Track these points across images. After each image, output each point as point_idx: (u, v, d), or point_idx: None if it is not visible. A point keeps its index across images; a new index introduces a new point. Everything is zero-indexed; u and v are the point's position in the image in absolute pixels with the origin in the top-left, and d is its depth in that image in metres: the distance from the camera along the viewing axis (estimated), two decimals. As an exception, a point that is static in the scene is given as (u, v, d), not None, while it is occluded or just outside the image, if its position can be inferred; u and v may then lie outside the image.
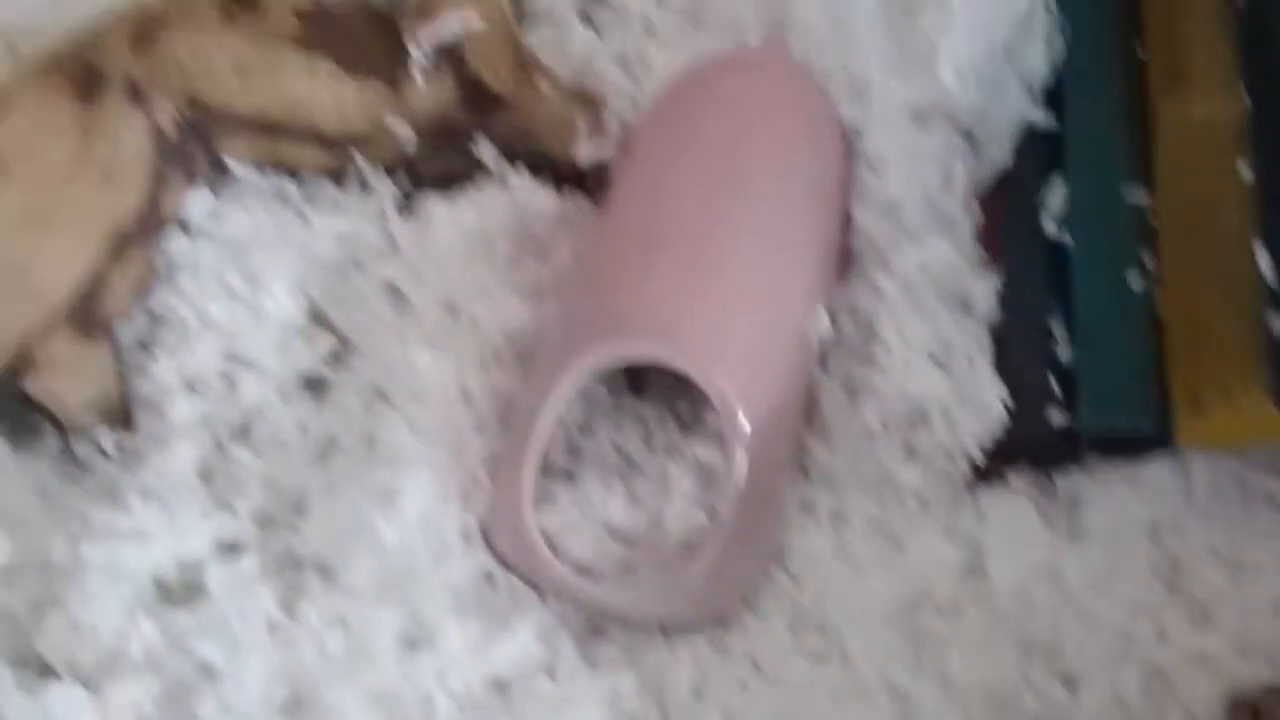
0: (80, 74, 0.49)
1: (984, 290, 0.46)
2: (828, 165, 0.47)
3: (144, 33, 0.50)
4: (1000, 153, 0.48)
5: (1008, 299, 0.45)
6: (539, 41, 0.60)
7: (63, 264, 0.47)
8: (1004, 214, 0.47)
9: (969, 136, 0.49)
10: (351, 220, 0.52)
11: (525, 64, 0.54)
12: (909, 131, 0.48)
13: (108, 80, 0.49)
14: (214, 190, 0.53)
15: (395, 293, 0.52)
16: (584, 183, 0.55)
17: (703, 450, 0.44)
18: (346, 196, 0.53)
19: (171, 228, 0.52)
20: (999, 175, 0.48)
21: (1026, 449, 0.43)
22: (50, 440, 0.49)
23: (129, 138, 0.49)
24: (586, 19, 0.62)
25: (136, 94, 0.49)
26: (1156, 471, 0.43)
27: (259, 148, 0.52)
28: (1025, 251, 0.46)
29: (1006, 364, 0.44)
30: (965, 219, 0.48)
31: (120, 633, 0.39)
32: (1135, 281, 0.43)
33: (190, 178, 0.52)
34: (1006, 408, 0.43)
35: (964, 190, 0.48)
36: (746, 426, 0.40)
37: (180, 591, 0.42)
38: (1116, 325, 0.43)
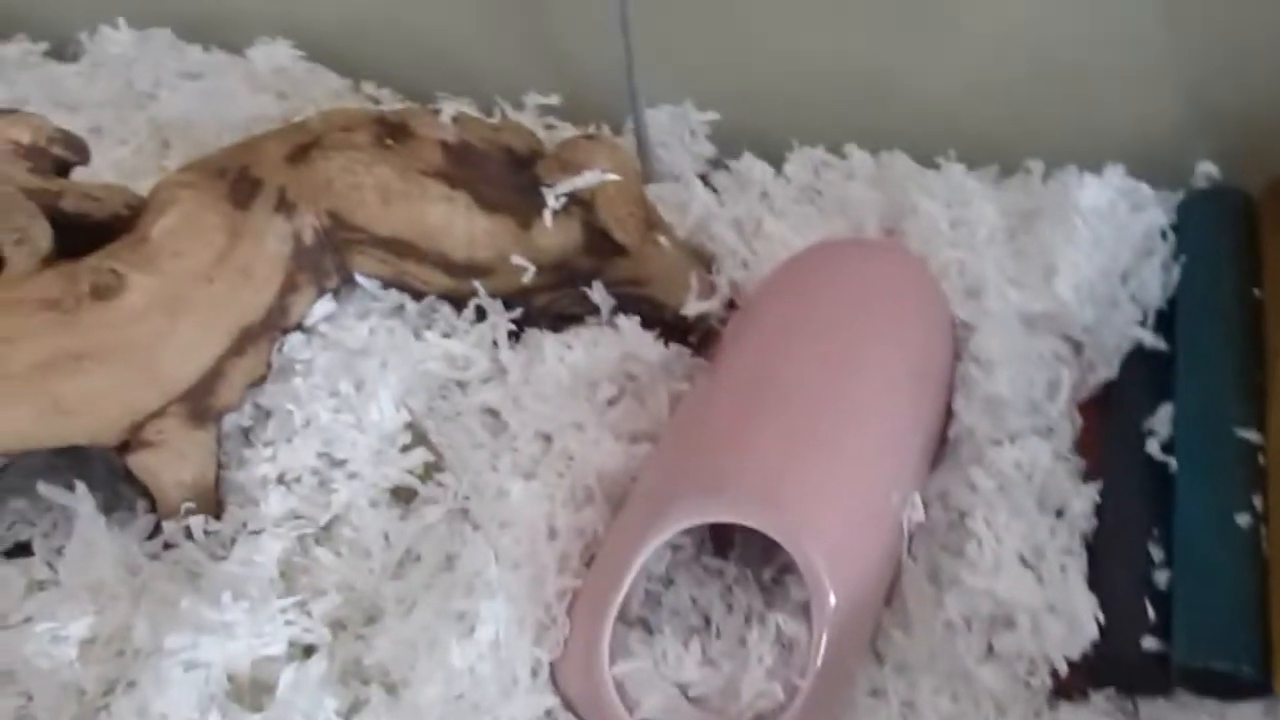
0: (239, 182, 0.52)
1: (1081, 500, 0.46)
2: (936, 356, 0.48)
3: (301, 149, 0.53)
4: (1107, 367, 0.49)
5: (1106, 514, 0.45)
6: (660, 196, 0.63)
7: (190, 353, 0.49)
8: (1105, 426, 0.47)
9: (1077, 347, 0.49)
10: (463, 344, 0.54)
11: (649, 220, 0.56)
12: (1019, 335, 0.49)
13: (262, 189, 0.52)
14: (337, 299, 0.55)
15: (495, 418, 0.53)
16: (688, 336, 0.57)
17: (784, 621, 0.43)
18: (461, 321, 0.55)
19: (292, 329, 0.54)
20: (1102, 387, 0.49)
21: (1114, 671, 0.42)
22: (141, 519, 0.50)
23: (272, 244, 0.51)
24: (707, 182, 0.66)
25: (285, 204, 0.52)
26: (1247, 712, 0.42)
27: (388, 266, 0.54)
28: (1127, 470, 0.46)
29: (1101, 580, 0.44)
30: (1066, 426, 0.48)
31: (190, 726, 0.39)
32: (1242, 519, 0.43)
33: (320, 286, 0.54)
34: (1099, 624, 0.42)
35: (1068, 398, 0.48)
36: (835, 606, 0.40)
37: (250, 690, 0.42)
38: (1220, 561, 0.42)
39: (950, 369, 0.50)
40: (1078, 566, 0.45)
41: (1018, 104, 0.61)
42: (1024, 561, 0.45)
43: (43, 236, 0.49)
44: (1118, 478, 0.46)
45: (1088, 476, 0.47)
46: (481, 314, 0.55)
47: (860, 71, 0.65)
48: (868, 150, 0.63)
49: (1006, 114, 0.61)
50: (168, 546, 0.49)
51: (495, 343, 0.54)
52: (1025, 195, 0.57)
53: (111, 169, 0.70)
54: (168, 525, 0.49)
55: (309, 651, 0.45)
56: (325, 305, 0.55)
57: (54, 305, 0.47)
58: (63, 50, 0.80)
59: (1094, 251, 0.49)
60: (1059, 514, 0.47)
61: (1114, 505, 0.45)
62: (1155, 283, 0.51)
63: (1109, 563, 0.44)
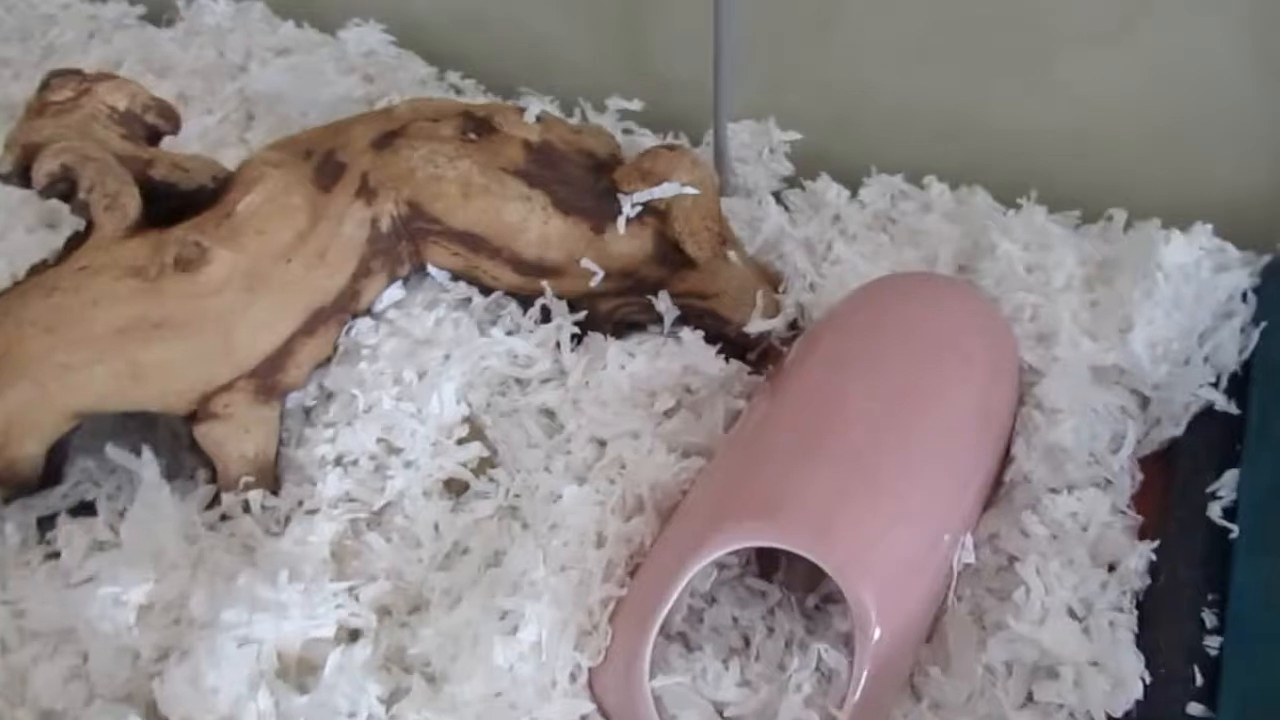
0: (324, 164, 0.53)
1: (1135, 556, 0.45)
2: (1000, 399, 0.48)
3: (387, 137, 0.54)
4: (1174, 424, 0.48)
5: (1160, 573, 0.44)
6: (733, 210, 0.63)
7: (263, 330, 0.50)
8: (1167, 484, 0.47)
9: (1143, 400, 0.49)
10: (527, 342, 0.55)
11: (722, 235, 0.56)
12: (1087, 385, 0.48)
13: (346, 173, 0.53)
14: (406, 286, 0.56)
15: (551, 418, 0.54)
16: (748, 352, 0.57)
17: (826, 650, 0.43)
18: (526, 320, 0.56)
19: (361, 314, 0.55)
20: (1166, 444, 0.48)
21: (1157, 732, 0.42)
22: (201, 488, 0.51)
23: (350, 228, 0.52)
24: (781, 199, 0.65)
25: (366, 190, 0.53)
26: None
27: (460, 259, 0.55)
28: (1186, 531, 0.45)
29: (1150, 640, 0.43)
30: (1126, 480, 0.47)
31: (239, 700, 0.40)
32: (1301, 591, 0.42)
33: (392, 273, 0.55)
34: (1144, 684, 0.42)
35: (1130, 452, 0.48)
36: (879, 641, 0.40)
37: (296, 669, 0.43)
38: (1274, 634, 0.41)
39: (1013, 412, 0.49)
40: (1127, 623, 0.44)
41: (1105, 152, 0.61)
42: (1072, 613, 0.45)
43: (132, 203, 0.50)
44: (1176, 538, 0.46)
45: (1144, 533, 0.46)
46: (547, 314, 0.56)
47: (946, 104, 0.64)
48: (947, 184, 0.63)
49: (1093, 161, 0.61)
50: (224, 518, 0.50)
51: (558, 344, 0.55)
52: (1106, 244, 0.56)
53: (196, 137, 0.72)
54: (226, 497, 0.50)
55: (355, 635, 0.45)
56: (394, 292, 0.56)
57: (139, 272, 0.48)
58: (158, 15, 0.82)
59: (1173, 310, 0.48)
60: (1111, 568, 0.46)
61: (1169, 566, 0.45)
62: (1232, 345, 0.50)
63: (1159, 623, 0.44)
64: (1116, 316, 0.49)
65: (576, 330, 0.55)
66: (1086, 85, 0.61)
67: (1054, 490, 0.48)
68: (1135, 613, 0.45)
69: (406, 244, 0.54)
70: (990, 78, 0.63)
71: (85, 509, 0.51)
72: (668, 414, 0.53)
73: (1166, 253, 0.51)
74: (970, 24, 0.62)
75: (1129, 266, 0.52)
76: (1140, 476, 0.48)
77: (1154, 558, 0.45)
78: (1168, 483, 0.48)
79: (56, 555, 0.49)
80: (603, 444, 0.52)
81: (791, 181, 0.67)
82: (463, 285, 0.56)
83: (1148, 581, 0.45)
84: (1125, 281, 0.49)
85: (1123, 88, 0.59)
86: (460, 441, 0.52)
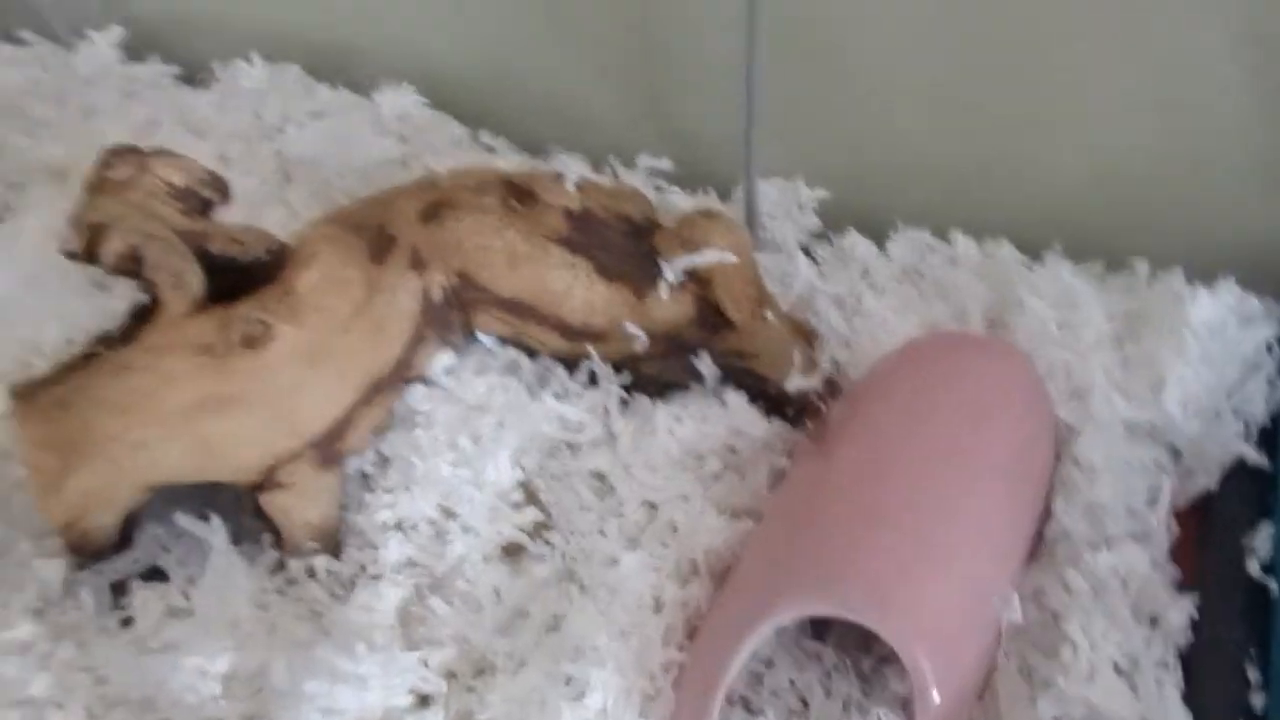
0: (377, 238, 0.54)
1: (1177, 611, 0.47)
2: (1041, 457, 0.50)
3: (434, 209, 0.56)
4: (1207, 476, 0.50)
5: (1202, 629, 0.46)
6: (764, 267, 0.65)
7: (326, 402, 0.52)
8: (1203, 537, 0.48)
9: (1177, 456, 0.51)
10: (576, 408, 0.56)
11: (761, 298, 0.58)
12: (1122, 441, 0.50)
13: (397, 246, 0.55)
14: (457, 353, 0.58)
15: (602, 481, 0.55)
16: (787, 410, 0.59)
17: (884, 715, 0.45)
18: (574, 384, 0.58)
19: (416, 381, 0.56)
20: (1201, 497, 0.50)
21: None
22: (266, 553, 0.53)
23: (404, 299, 0.54)
24: (810, 253, 0.67)
25: (418, 262, 0.55)
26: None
27: (508, 326, 0.57)
28: (1225, 586, 0.47)
29: (1195, 696, 0.45)
30: (1163, 534, 0.49)
31: (327, 769, 0.42)
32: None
33: (443, 341, 0.56)
34: (1192, 742, 0.43)
35: (1167, 506, 0.49)
36: (937, 708, 0.42)
37: (376, 737, 0.45)
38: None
39: (1052, 469, 0.51)
40: (1173, 680, 0.46)
41: (1127, 201, 0.62)
42: (1118, 670, 0.46)
43: (196, 280, 0.52)
44: (1215, 593, 0.47)
45: (1183, 586, 0.48)
46: (593, 378, 0.58)
47: (970, 157, 0.66)
48: (971, 236, 0.65)
49: (1116, 210, 0.62)
50: (290, 582, 0.52)
51: (607, 409, 0.57)
52: (1131, 296, 0.58)
53: (238, 198, 0.73)
54: (292, 562, 0.52)
55: (425, 701, 0.47)
56: (446, 358, 0.58)
57: (207, 350, 0.50)
58: (192, 76, 0.83)
59: (1202, 368, 0.50)
60: (1153, 622, 0.48)
61: (1211, 621, 0.46)
62: (1260, 397, 0.52)
63: (1204, 680, 0.45)
64: (1148, 373, 0.51)
65: (624, 395, 0.57)
66: (1105, 132, 0.62)
67: (1094, 545, 0.49)
68: (1180, 669, 0.46)
69: (457, 312, 0.56)
70: (1009, 128, 0.65)
71: (156, 574, 0.52)
72: (715, 476, 0.55)
73: (1194, 311, 0.53)
74: (982, 78, 0.64)
75: (1156, 321, 0.54)
76: (1177, 530, 0.50)
77: (1195, 613, 0.47)
78: (1204, 535, 0.50)
79: (130, 621, 0.50)
80: (654, 507, 0.54)
81: (819, 235, 0.69)
82: (510, 350, 0.58)
83: (1190, 636, 0.47)
84: (1154, 338, 0.51)
85: (1141, 134, 0.61)
86: (515, 506, 0.54)
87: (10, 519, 0.53)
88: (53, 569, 0.51)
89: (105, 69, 0.84)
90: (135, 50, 0.86)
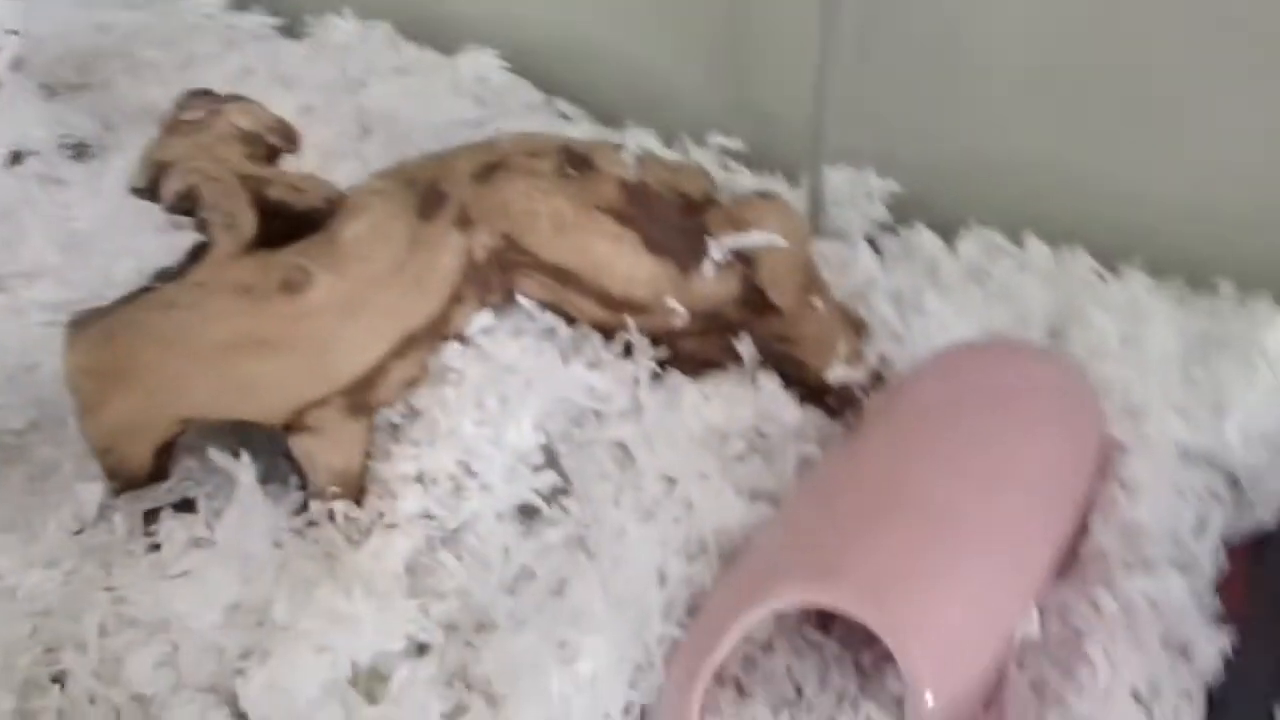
0: (428, 194, 0.55)
1: (1209, 644, 0.44)
2: (1081, 472, 0.48)
3: (486, 169, 0.56)
4: (1267, 515, 0.47)
5: (1235, 666, 0.43)
6: (824, 253, 0.63)
7: (358, 351, 0.52)
8: (1253, 576, 0.45)
9: (1235, 486, 0.48)
10: (605, 378, 0.56)
11: (807, 284, 0.57)
12: (1174, 466, 0.47)
13: (446, 203, 0.55)
14: (495, 314, 0.58)
15: (624, 452, 0.55)
16: (826, 400, 0.58)
17: (875, 711, 0.44)
18: (607, 353, 0.57)
19: (451, 338, 0.57)
20: (1258, 535, 0.47)
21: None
22: (292, 494, 0.54)
23: (446, 256, 0.54)
24: (875, 244, 0.65)
25: (464, 220, 0.55)
26: None
27: (549, 292, 0.57)
28: (1267, 625, 0.44)
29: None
30: (1209, 566, 0.46)
31: (312, 704, 0.43)
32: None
33: (482, 301, 0.57)
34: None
35: (1215, 538, 0.47)
36: (931, 710, 0.40)
37: (366, 679, 0.45)
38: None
39: (1094, 486, 0.49)
40: (1193, 713, 0.43)
41: (1218, 224, 0.59)
42: (1137, 696, 0.44)
43: (248, 223, 0.54)
44: (1255, 631, 0.44)
45: (1223, 622, 0.45)
46: (629, 349, 0.57)
47: (1055, 159, 0.63)
48: (1045, 241, 0.62)
49: (1205, 231, 0.59)
50: (311, 524, 0.53)
51: (637, 380, 0.56)
52: (1209, 318, 0.55)
53: (314, 148, 0.75)
54: (314, 504, 0.53)
55: (422, 649, 0.48)
56: (484, 317, 0.58)
57: (247, 291, 0.51)
58: (292, 28, 0.86)
59: (1272, 400, 0.47)
60: (1183, 653, 0.45)
61: (1246, 659, 0.44)
62: (1330, 436, 0.49)
63: (1227, 716, 0.43)
64: (1212, 400, 0.48)
65: (655, 368, 0.57)
66: (1200, 147, 0.59)
67: (1129, 567, 0.47)
68: (1205, 703, 0.44)
69: (499, 274, 0.56)
70: (1102, 134, 0.62)
71: (187, 505, 0.54)
72: (739, 458, 0.54)
73: (1269, 337, 0.50)
74: (1078, 76, 0.61)
75: (1230, 347, 0.51)
76: (1227, 565, 0.47)
77: (1228, 648, 0.44)
78: (1257, 574, 0.47)
79: (158, 547, 0.52)
80: (672, 482, 0.53)
81: (886, 226, 0.67)
82: (549, 315, 0.58)
83: (1219, 671, 0.44)
84: (1224, 362, 0.48)
85: (1242, 158, 0.58)
86: (535, 469, 0.54)
87: (61, 440, 0.56)
88: (91, 492, 0.53)
89: (211, 17, 0.88)
90: (242, 0, 0.89)
